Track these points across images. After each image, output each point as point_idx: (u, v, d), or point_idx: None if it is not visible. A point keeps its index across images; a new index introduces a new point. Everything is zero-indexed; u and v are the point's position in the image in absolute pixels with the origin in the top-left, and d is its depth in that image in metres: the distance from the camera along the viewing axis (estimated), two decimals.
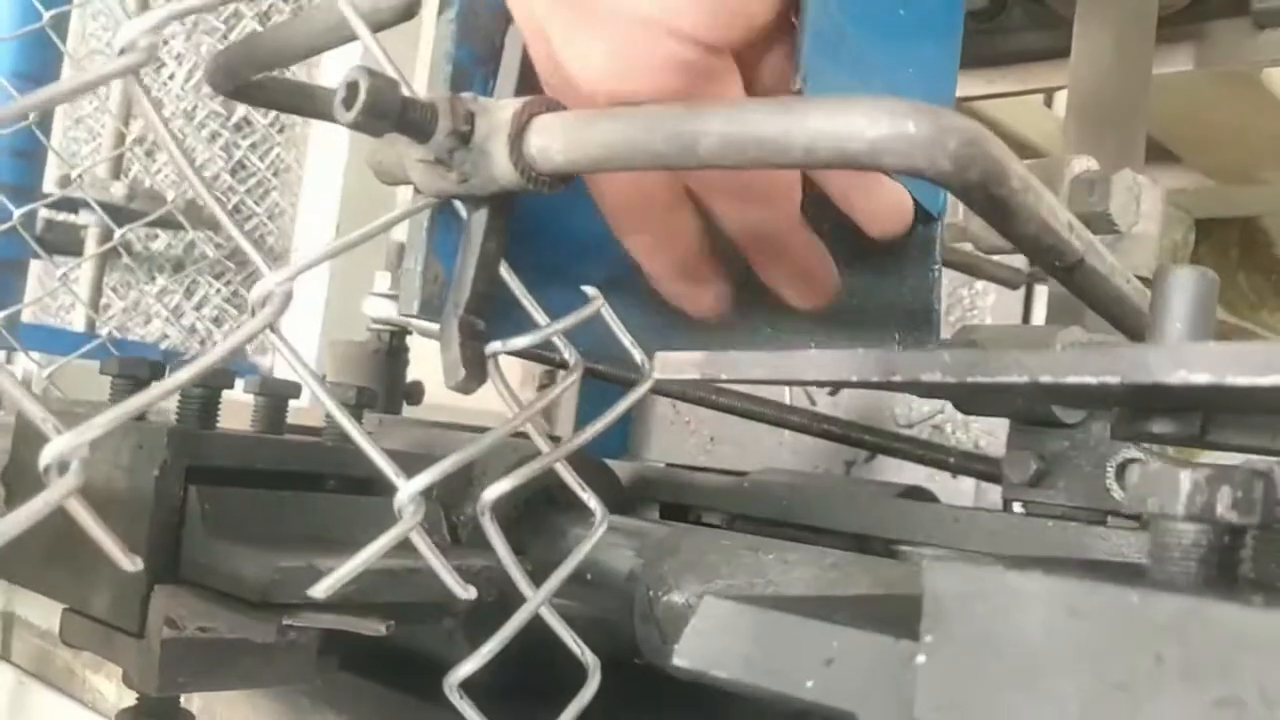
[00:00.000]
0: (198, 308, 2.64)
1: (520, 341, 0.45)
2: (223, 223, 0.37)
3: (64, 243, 2.50)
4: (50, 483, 0.33)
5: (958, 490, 1.27)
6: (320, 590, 0.38)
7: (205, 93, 2.70)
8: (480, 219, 0.42)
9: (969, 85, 0.95)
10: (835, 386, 0.43)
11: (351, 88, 0.36)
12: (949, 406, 1.43)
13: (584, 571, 0.66)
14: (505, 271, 0.44)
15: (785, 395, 1.56)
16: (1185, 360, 0.28)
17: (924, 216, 0.56)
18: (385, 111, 0.36)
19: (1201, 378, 0.28)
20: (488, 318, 0.44)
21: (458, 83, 0.45)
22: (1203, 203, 1.18)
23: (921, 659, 0.28)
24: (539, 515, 0.70)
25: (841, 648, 0.31)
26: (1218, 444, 0.37)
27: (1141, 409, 0.37)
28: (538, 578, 0.52)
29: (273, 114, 2.76)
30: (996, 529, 0.67)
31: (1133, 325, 0.47)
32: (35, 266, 2.21)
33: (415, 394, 1.23)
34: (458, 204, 0.44)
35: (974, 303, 1.34)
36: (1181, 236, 1.20)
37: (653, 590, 0.60)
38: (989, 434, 1.36)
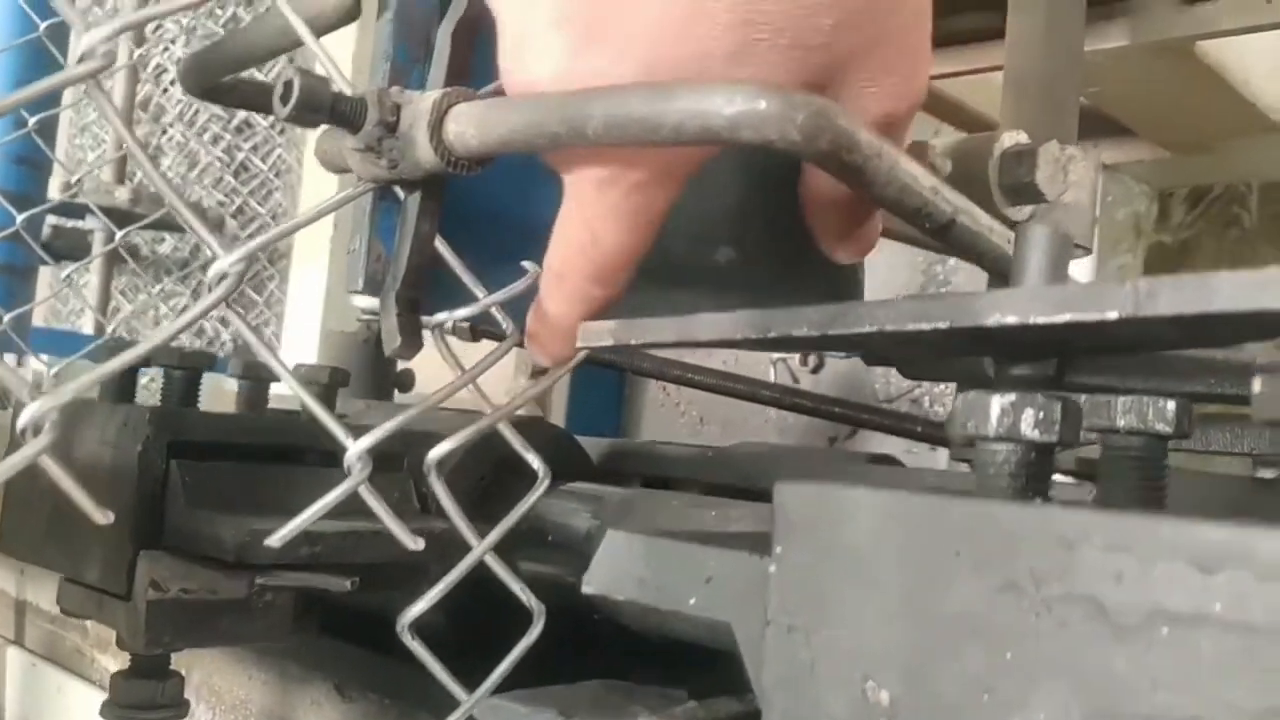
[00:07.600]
0: None
1: (462, 312, 0.49)
2: (169, 201, 0.41)
3: (72, 249, 2.55)
4: (26, 443, 0.37)
5: (934, 461, 1.31)
6: (275, 540, 0.42)
7: None
8: (414, 201, 0.46)
9: None
10: (727, 346, 0.47)
11: (287, 86, 0.41)
12: (925, 382, 1.47)
13: (546, 534, 0.70)
14: (444, 249, 0.49)
15: (770, 375, 1.60)
16: (999, 305, 0.33)
17: None
18: (317, 106, 0.41)
19: (1011, 319, 0.32)
20: (427, 292, 0.48)
21: (395, 78, 0.49)
22: (1162, 174, 1.21)
23: (773, 568, 0.32)
24: (506, 487, 0.74)
25: (718, 567, 0.36)
26: (1075, 385, 0.41)
27: (1008, 357, 0.41)
28: (501, 542, 0.55)
29: (273, 116, 2.81)
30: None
31: None
32: (47, 274, 2.26)
33: (406, 382, 1.27)
34: (398, 190, 0.48)
35: (947, 278, 1.39)
36: (1145, 208, 1.23)
37: None
38: None
